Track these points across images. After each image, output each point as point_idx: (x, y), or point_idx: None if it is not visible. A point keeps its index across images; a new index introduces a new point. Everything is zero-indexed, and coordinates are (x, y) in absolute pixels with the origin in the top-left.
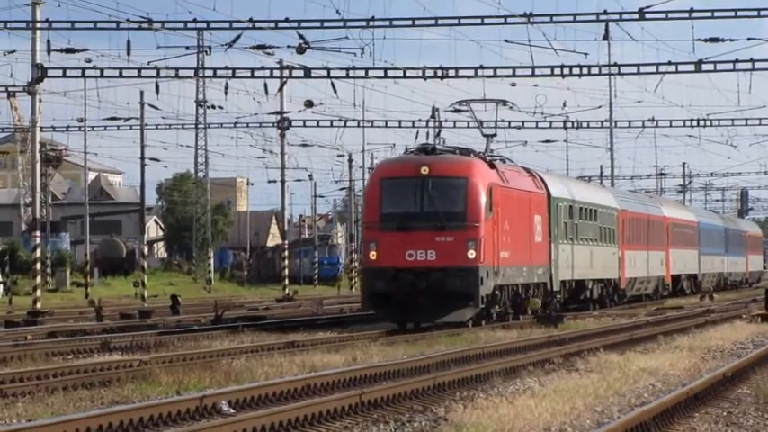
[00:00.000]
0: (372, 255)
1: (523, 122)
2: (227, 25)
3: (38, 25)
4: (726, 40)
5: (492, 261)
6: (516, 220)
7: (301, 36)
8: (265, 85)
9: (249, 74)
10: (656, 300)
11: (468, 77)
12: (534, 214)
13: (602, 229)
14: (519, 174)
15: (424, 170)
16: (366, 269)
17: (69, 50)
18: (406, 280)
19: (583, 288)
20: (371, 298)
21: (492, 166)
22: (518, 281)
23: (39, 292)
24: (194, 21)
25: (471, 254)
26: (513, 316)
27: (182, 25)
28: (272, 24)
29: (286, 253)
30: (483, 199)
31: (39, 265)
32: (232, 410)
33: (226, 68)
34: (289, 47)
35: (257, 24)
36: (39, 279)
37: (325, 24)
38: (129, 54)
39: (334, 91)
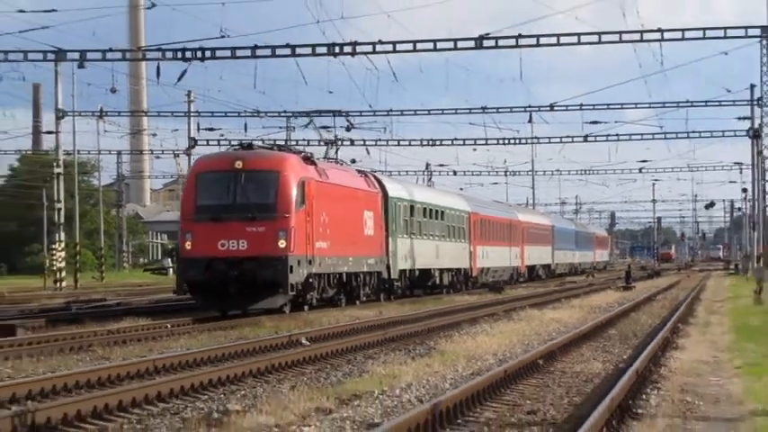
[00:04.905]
0: (187, 245)
1: (481, 171)
2: (304, 114)
3: (191, 113)
4: (602, 122)
5: (305, 250)
6: (338, 214)
7: (348, 120)
8: (326, 151)
9: (317, 144)
10: (511, 284)
11: (447, 146)
12: (364, 210)
13: (450, 228)
14: (347, 173)
15: (238, 164)
16: (181, 258)
17: (210, 129)
18: (219, 269)
19: (429, 276)
20: (187, 286)
21: (311, 163)
22: (342, 269)
23: None
24: (284, 111)
25: (281, 243)
26: (346, 301)
27: (276, 114)
28: (331, 114)
29: None
30: (294, 191)
31: None
32: (308, 343)
33: (303, 140)
34: (340, 126)
35: (322, 113)
36: None
37: (363, 113)
38: (246, 131)
39: (368, 153)
